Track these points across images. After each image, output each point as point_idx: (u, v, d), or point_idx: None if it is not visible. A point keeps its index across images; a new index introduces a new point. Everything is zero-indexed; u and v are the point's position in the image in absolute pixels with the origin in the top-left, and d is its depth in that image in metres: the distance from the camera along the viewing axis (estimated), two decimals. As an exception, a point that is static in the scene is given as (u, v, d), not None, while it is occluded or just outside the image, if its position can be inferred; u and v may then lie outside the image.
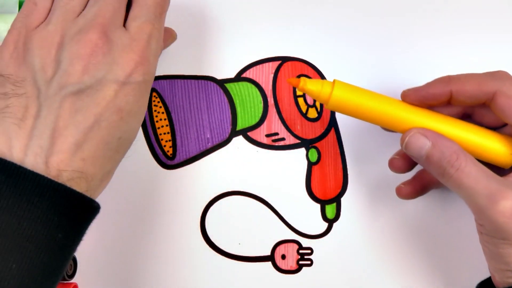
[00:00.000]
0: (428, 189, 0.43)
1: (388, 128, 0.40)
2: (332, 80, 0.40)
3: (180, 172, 0.46)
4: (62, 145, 0.33)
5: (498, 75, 0.38)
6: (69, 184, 0.33)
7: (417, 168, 0.43)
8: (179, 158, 0.46)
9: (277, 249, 0.45)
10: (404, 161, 0.41)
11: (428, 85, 0.39)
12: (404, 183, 0.43)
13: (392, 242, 0.45)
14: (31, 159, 0.32)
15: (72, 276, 0.44)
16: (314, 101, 0.46)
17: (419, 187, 0.43)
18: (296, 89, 0.46)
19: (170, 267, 0.45)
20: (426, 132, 0.38)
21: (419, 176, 0.43)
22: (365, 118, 0.39)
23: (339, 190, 0.46)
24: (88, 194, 0.34)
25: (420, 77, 0.46)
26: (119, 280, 0.45)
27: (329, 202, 0.46)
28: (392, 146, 0.46)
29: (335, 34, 0.47)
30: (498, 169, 0.39)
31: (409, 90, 0.39)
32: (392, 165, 0.42)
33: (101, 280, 0.45)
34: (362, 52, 0.47)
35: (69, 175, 0.33)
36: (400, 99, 0.40)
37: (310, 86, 0.39)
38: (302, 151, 0.46)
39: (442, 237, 0.45)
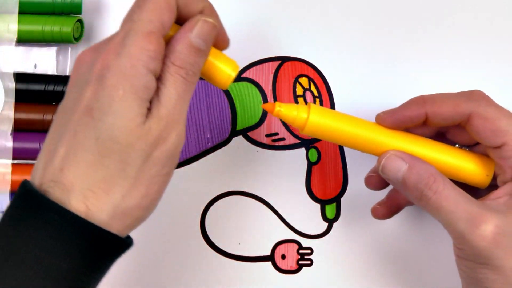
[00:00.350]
0: (402, 208, 0.43)
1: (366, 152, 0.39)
2: (306, 104, 0.39)
3: (180, 172, 0.46)
4: (39, 159, 0.33)
5: (473, 96, 0.37)
6: (47, 194, 0.31)
7: (390, 186, 0.42)
8: (179, 158, 0.46)
9: (277, 249, 0.45)
10: (380, 178, 0.41)
11: (403, 107, 0.38)
12: (379, 203, 0.43)
13: (392, 241, 0.45)
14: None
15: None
16: (314, 101, 0.46)
17: (394, 206, 0.42)
18: (296, 89, 0.46)
19: (170, 267, 0.45)
20: (402, 154, 0.37)
21: (392, 195, 0.43)
22: (341, 143, 0.39)
23: (339, 190, 0.46)
24: (91, 213, 0.31)
25: (421, 76, 0.47)
26: (119, 280, 0.45)
27: (329, 202, 0.46)
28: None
29: (335, 34, 0.47)
30: (472, 191, 0.38)
31: (384, 113, 0.38)
32: (368, 182, 0.41)
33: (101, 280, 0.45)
34: (362, 52, 0.47)
35: (46, 186, 0.31)
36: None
37: (285, 111, 0.38)
38: (302, 151, 0.46)
39: (442, 237, 0.45)
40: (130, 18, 0.32)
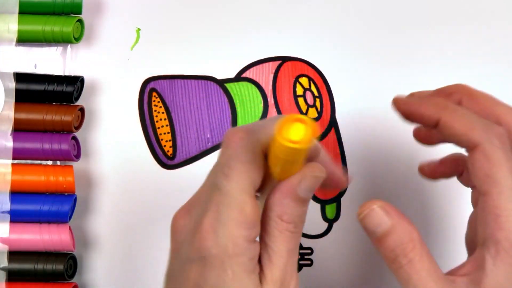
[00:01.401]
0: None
1: None
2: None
3: (180, 172, 0.46)
4: None
5: (491, 124, 0.33)
6: None
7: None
8: (179, 158, 0.46)
9: (277, 249, 0.45)
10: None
11: (422, 102, 0.35)
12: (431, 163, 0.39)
13: (392, 242, 0.45)
14: None
15: (72, 276, 0.44)
16: (314, 101, 0.46)
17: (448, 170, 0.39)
18: (296, 89, 0.46)
19: (170, 267, 0.45)
20: (388, 209, 0.33)
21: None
22: None
23: (339, 190, 0.46)
24: None
25: (421, 76, 0.47)
26: (119, 280, 0.45)
27: (329, 202, 0.46)
28: (392, 147, 0.46)
29: (335, 34, 0.47)
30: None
31: (401, 98, 0.36)
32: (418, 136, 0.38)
33: (101, 280, 0.45)
34: (363, 52, 0.47)
35: None
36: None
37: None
38: (302, 151, 0.46)
39: (442, 238, 0.45)
40: (217, 187, 0.30)
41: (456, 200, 0.46)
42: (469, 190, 0.46)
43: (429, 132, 0.37)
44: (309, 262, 0.45)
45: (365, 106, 0.46)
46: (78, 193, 0.45)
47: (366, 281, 0.45)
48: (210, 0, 0.47)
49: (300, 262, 0.45)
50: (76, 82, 0.43)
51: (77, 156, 0.44)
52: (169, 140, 0.46)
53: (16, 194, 0.43)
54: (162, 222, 0.45)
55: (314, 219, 0.46)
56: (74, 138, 0.44)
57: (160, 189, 0.45)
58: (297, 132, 0.27)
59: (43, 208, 0.42)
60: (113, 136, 0.46)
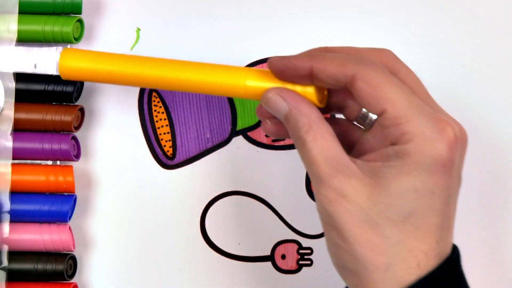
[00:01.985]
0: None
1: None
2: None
3: (180, 172, 0.46)
4: None
5: (368, 57, 0.35)
6: None
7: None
8: (179, 158, 0.46)
9: (277, 249, 0.45)
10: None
11: (295, 55, 0.36)
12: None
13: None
14: None
15: (72, 276, 0.44)
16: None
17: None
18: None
19: (170, 267, 0.45)
20: (285, 94, 0.35)
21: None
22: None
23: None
24: None
25: (423, 76, 0.46)
26: (119, 280, 0.45)
27: (329, 202, 0.46)
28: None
29: (335, 34, 0.47)
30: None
31: (275, 57, 0.36)
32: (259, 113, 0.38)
33: (101, 280, 0.45)
34: (362, 52, 0.47)
35: None
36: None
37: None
38: (302, 151, 0.46)
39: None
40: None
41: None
42: (468, 190, 0.46)
43: (277, 126, 0.37)
44: (309, 262, 0.45)
45: (365, 106, 0.46)
46: (78, 193, 0.45)
47: (366, 281, 0.45)
48: (210, 0, 0.47)
49: (300, 262, 0.45)
50: (76, 82, 0.43)
51: (77, 156, 0.44)
52: (169, 140, 0.46)
53: (16, 194, 0.43)
54: (162, 222, 0.45)
55: (314, 219, 0.46)
56: (74, 138, 0.44)
57: (160, 189, 0.45)
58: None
59: (43, 208, 0.42)
60: (113, 136, 0.46)
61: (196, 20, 0.46)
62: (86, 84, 0.45)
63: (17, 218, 0.43)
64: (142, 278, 0.45)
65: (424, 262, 0.32)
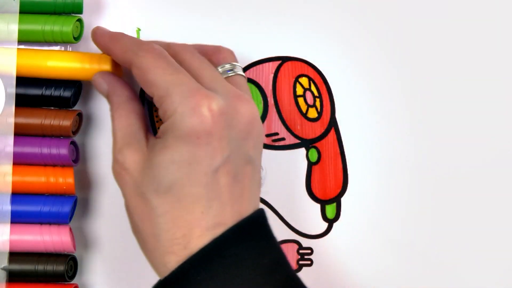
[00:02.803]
0: None
1: None
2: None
3: (180, 172, 0.46)
4: None
5: (147, 46, 0.38)
6: None
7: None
8: (179, 158, 0.46)
9: (277, 249, 0.46)
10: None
11: (106, 33, 0.41)
12: None
13: (392, 242, 0.45)
14: None
15: (72, 277, 0.44)
16: (314, 101, 0.46)
17: None
18: (296, 89, 0.46)
19: (171, 267, 0.45)
20: (106, 77, 0.40)
21: None
22: None
23: (339, 190, 0.46)
24: None
25: (423, 76, 0.47)
26: (119, 280, 0.45)
27: (329, 202, 0.46)
28: (392, 146, 0.46)
29: (335, 34, 0.47)
30: None
31: (98, 30, 0.42)
32: None
33: (101, 281, 0.45)
34: (362, 52, 0.47)
35: None
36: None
37: None
38: (302, 151, 0.46)
39: (443, 237, 0.46)
40: None
41: (456, 199, 0.46)
42: (468, 190, 0.46)
43: None
44: (309, 262, 0.45)
45: (365, 106, 0.46)
46: (79, 194, 0.45)
47: (366, 281, 0.45)
48: (210, 0, 0.47)
49: (300, 262, 0.46)
50: (74, 87, 0.43)
51: (76, 161, 0.44)
52: (169, 140, 0.46)
53: (16, 195, 0.43)
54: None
55: (314, 219, 0.46)
56: (73, 143, 0.44)
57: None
58: None
59: (43, 209, 0.42)
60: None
61: (196, 20, 0.46)
62: (84, 88, 0.45)
63: (17, 219, 0.42)
64: (142, 278, 0.45)
65: (189, 233, 0.34)
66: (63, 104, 0.43)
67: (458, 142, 0.46)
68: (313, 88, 0.46)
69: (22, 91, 0.43)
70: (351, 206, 0.46)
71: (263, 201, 0.46)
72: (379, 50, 0.47)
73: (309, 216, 0.46)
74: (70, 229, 0.43)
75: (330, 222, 0.46)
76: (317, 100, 0.46)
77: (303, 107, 0.46)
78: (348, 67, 0.47)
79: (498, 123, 0.46)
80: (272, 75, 0.46)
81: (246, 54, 0.46)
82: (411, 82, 0.46)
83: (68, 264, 0.43)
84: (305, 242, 0.46)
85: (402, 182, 0.45)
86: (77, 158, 0.44)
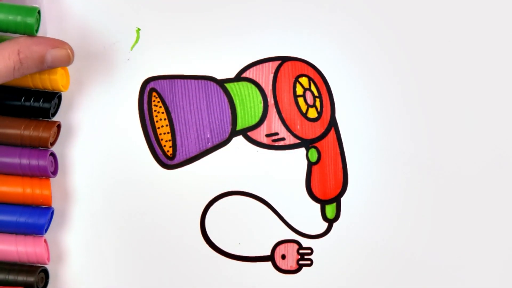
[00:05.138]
0: None
1: None
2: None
3: (180, 172, 0.46)
4: None
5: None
6: None
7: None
8: (179, 158, 0.46)
9: (277, 249, 0.45)
10: None
11: None
12: None
13: (392, 241, 0.45)
14: None
15: None
16: (314, 101, 0.46)
17: None
18: (296, 89, 0.46)
19: (170, 267, 0.45)
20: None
21: None
22: None
23: (339, 190, 0.46)
24: None
25: (423, 76, 0.47)
26: (119, 280, 0.45)
27: (329, 202, 0.46)
28: (392, 146, 0.46)
29: (335, 34, 0.47)
30: None
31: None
32: None
33: (101, 281, 0.45)
34: (363, 52, 0.47)
35: None
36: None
37: None
38: (302, 151, 0.46)
39: (443, 237, 0.45)
40: None
41: (456, 199, 0.46)
42: (468, 191, 0.46)
43: None
44: (309, 262, 0.45)
45: (365, 106, 0.46)
46: (55, 205, 0.44)
47: (366, 281, 0.45)
48: (210, 0, 0.47)
49: (300, 262, 0.45)
50: (54, 99, 0.43)
51: (54, 173, 0.44)
52: (169, 140, 0.46)
53: None
54: (162, 222, 0.45)
55: (314, 219, 0.46)
56: (52, 154, 0.44)
57: (160, 189, 0.45)
58: None
59: (19, 219, 0.42)
60: (113, 136, 0.46)
61: (196, 20, 0.46)
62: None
63: None
64: (142, 278, 0.45)
65: None
66: (42, 115, 0.43)
67: (458, 142, 0.46)
68: (313, 88, 0.46)
69: (1, 101, 0.43)
70: (351, 206, 0.46)
71: (263, 201, 0.46)
72: (379, 50, 0.47)
73: (309, 216, 0.46)
74: (45, 240, 0.43)
75: (330, 222, 0.46)
76: (317, 100, 0.46)
77: (303, 107, 0.46)
78: (348, 67, 0.47)
79: (498, 122, 0.46)
80: (272, 75, 0.46)
81: (246, 54, 0.47)
82: (411, 82, 0.46)
83: (39, 276, 0.43)
84: (305, 242, 0.46)
85: (402, 182, 0.45)
86: (56, 169, 0.44)
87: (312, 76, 0.47)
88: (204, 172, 0.46)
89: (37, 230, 0.43)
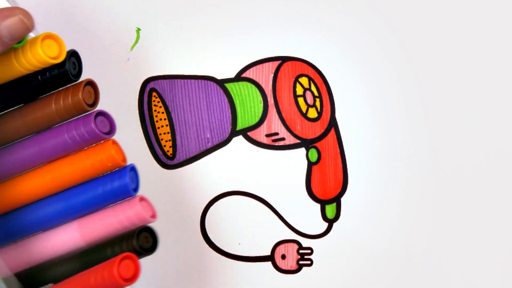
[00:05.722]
0: None
1: None
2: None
3: (180, 172, 0.46)
4: None
5: None
6: None
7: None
8: (179, 158, 0.46)
9: (277, 249, 0.45)
10: None
11: None
12: None
13: (392, 242, 0.45)
14: None
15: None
16: (314, 101, 0.46)
17: None
18: (296, 89, 0.46)
19: (170, 267, 0.45)
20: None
21: None
22: None
23: (339, 190, 0.46)
24: None
25: (423, 76, 0.47)
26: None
27: (329, 202, 0.46)
28: (392, 146, 0.46)
29: (335, 34, 0.47)
30: None
31: None
32: None
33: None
34: (363, 52, 0.47)
35: None
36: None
37: None
38: (302, 151, 0.46)
39: (443, 237, 0.45)
40: None
41: (456, 199, 0.46)
42: (468, 191, 0.46)
43: None
44: (309, 262, 0.45)
45: (365, 106, 0.46)
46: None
47: (365, 281, 0.45)
48: (210, 0, 0.47)
49: (300, 262, 0.45)
50: (68, 59, 0.38)
51: (111, 132, 0.39)
52: (169, 140, 0.46)
53: (73, 188, 0.39)
54: (162, 222, 0.45)
55: (314, 219, 0.46)
56: (100, 114, 0.39)
57: (160, 189, 0.45)
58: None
59: (105, 189, 0.38)
60: (113, 136, 0.46)
61: (196, 20, 0.46)
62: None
63: (86, 209, 0.39)
64: (142, 278, 0.45)
65: None
66: (67, 81, 0.38)
67: (458, 142, 0.46)
68: (313, 88, 0.46)
69: (23, 91, 0.39)
70: (351, 206, 0.46)
71: (263, 201, 0.46)
72: (379, 50, 0.47)
73: (309, 216, 0.46)
74: (142, 198, 0.39)
75: (330, 222, 0.46)
76: (317, 100, 0.46)
77: (303, 107, 0.46)
78: (348, 67, 0.47)
79: (499, 122, 0.46)
80: (272, 75, 0.46)
81: (246, 54, 0.47)
82: (411, 82, 0.46)
83: (141, 237, 0.39)
84: (305, 242, 0.46)
85: (402, 182, 0.45)
86: (112, 128, 0.39)
87: (312, 76, 0.47)
88: (204, 172, 0.46)
89: (125, 191, 0.38)
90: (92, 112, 0.38)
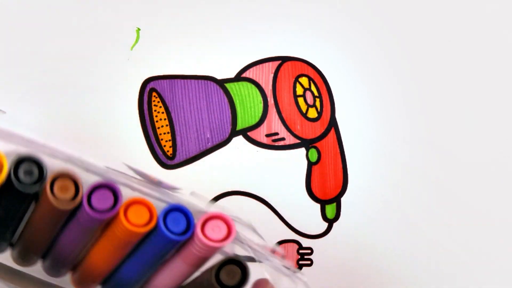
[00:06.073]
0: None
1: None
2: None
3: (180, 172, 0.46)
4: None
5: None
6: None
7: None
8: (179, 158, 0.46)
9: (277, 249, 0.46)
10: None
11: None
12: None
13: (392, 242, 0.45)
14: None
15: None
16: (314, 101, 0.46)
17: None
18: (296, 89, 0.46)
19: (170, 267, 0.45)
20: None
21: None
22: None
23: (339, 190, 0.46)
24: None
25: (423, 76, 0.47)
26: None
27: (329, 202, 0.46)
28: (392, 147, 0.46)
29: (335, 34, 0.47)
30: None
31: None
32: None
33: (101, 280, 0.45)
34: (363, 52, 0.47)
35: None
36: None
37: None
38: (302, 151, 0.46)
39: (444, 238, 0.45)
40: None
41: (456, 199, 0.46)
42: (469, 191, 0.46)
43: None
44: (309, 262, 0.45)
45: (365, 106, 0.46)
46: None
47: (365, 281, 0.45)
48: (209, 0, 0.47)
49: (300, 262, 0.45)
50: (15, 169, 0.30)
51: (115, 207, 0.31)
52: (169, 140, 0.46)
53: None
54: (162, 222, 0.45)
55: (314, 219, 0.46)
56: (100, 186, 0.31)
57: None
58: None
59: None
60: (112, 136, 0.46)
61: (196, 20, 0.46)
62: (86, 82, 0.45)
63: None
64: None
65: None
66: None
67: (459, 142, 0.46)
68: (313, 88, 0.46)
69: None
70: (351, 206, 0.46)
71: (263, 201, 0.46)
72: (379, 50, 0.47)
73: (309, 216, 0.46)
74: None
75: (330, 222, 0.46)
76: (317, 100, 0.46)
77: (303, 107, 0.46)
78: (348, 67, 0.47)
79: (499, 122, 0.46)
80: (272, 75, 0.46)
81: (246, 54, 0.47)
82: (411, 82, 0.46)
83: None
84: (305, 242, 0.46)
85: (402, 182, 0.45)
86: (118, 200, 0.31)
87: (312, 76, 0.47)
88: (204, 172, 0.46)
89: (174, 241, 0.32)
90: (83, 198, 0.31)
